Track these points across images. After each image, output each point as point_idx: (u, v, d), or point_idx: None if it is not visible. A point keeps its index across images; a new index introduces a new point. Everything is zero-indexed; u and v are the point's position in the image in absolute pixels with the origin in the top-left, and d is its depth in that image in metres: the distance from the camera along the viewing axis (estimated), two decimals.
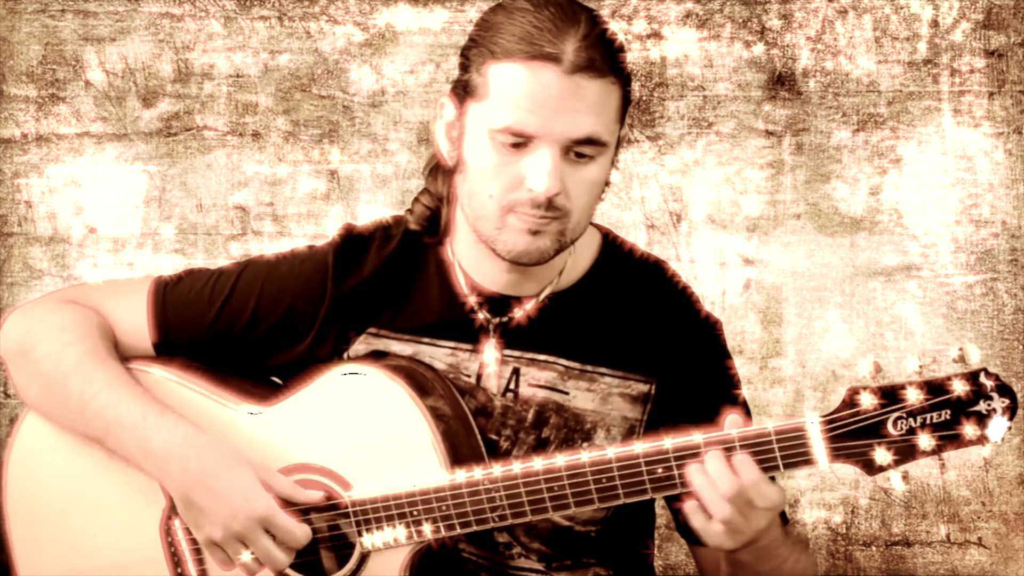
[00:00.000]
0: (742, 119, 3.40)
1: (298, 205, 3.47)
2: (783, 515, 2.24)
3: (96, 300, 2.38)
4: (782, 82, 3.40)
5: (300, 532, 2.22)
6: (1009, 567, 3.44)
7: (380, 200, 3.45)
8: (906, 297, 3.40)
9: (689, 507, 2.09)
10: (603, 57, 2.14)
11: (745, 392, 2.37)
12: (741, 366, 3.39)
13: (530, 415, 2.28)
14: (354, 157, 3.45)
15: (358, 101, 3.44)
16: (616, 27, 3.40)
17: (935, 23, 3.37)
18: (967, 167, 3.39)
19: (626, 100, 2.21)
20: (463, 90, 2.20)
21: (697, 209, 3.42)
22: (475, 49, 2.19)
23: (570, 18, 2.15)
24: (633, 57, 3.39)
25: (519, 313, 2.30)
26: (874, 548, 3.45)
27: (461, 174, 2.22)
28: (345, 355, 2.32)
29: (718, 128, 3.41)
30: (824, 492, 3.43)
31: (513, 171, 2.16)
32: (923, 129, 3.39)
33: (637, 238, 3.38)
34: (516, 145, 2.15)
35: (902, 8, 3.37)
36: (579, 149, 2.15)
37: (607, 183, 2.23)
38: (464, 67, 2.21)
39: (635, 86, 3.40)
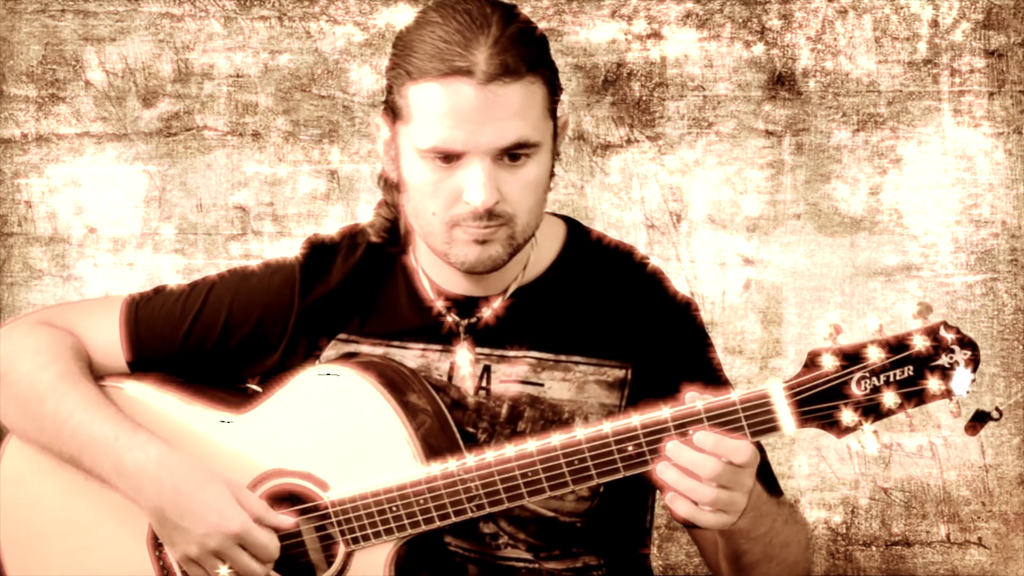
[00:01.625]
0: (742, 119, 3.40)
1: (298, 205, 3.47)
2: (773, 483, 2.25)
3: (69, 321, 2.40)
4: (782, 82, 3.40)
5: (273, 547, 2.23)
6: (1009, 567, 3.44)
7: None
8: (906, 297, 3.40)
9: (668, 499, 2.08)
10: (519, 57, 2.13)
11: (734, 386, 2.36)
12: (741, 366, 3.40)
13: (504, 410, 2.29)
14: (354, 157, 3.45)
15: (358, 101, 3.44)
16: (616, 27, 3.41)
17: (935, 23, 3.37)
18: (967, 167, 3.39)
19: (553, 91, 2.20)
20: (392, 111, 2.21)
21: (697, 209, 3.42)
22: (394, 71, 2.20)
23: (479, 24, 2.14)
24: (633, 57, 3.40)
25: (487, 312, 2.31)
26: (874, 548, 3.45)
27: (404, 193, 2.24)
28: (317, 362, 2.34)
29: (718, 128, 3.41)
30: (824, 492, 3.43)
31: (449, 186, 2.16)
32: (923, 129, 3.39)
33: (637, 238, 3.39)
34: (447, 159, 2.15)
35: (902, 8, 3.37)
36: (512, 152, 2.16)
37: (552, 175, 2.24)
38: (388, 89, 2.22)
39: (635, 86, 3.41)
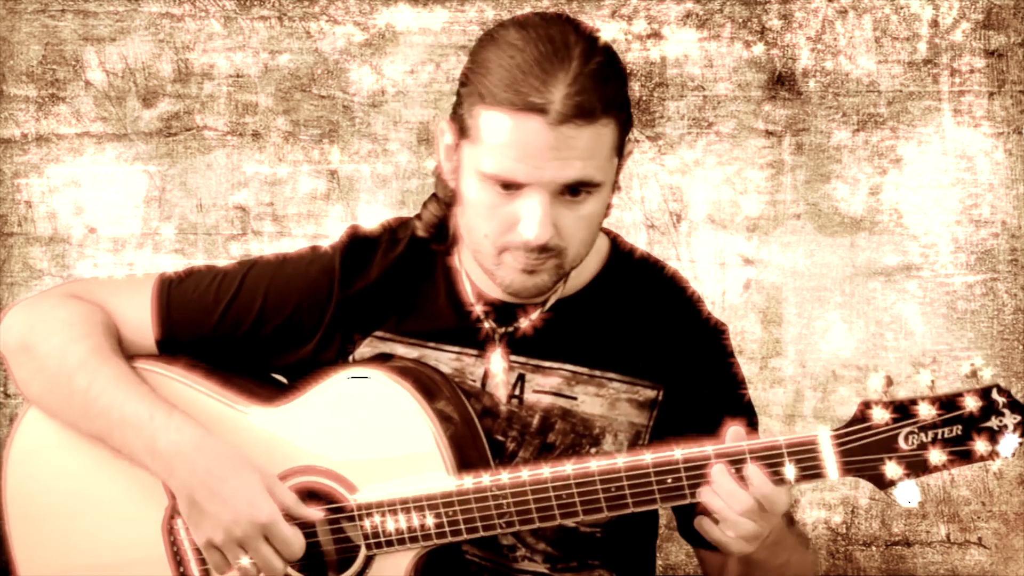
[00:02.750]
0: (742, 119, 3.40)
1: (298, 205, 3.47)
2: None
3: (100, 296, 2.37)
4: (782, 82, 3.40)
5: (297, 545, 2.21)
6: (1009, 567, 3.44)
7: (380, 200, 3.45)
8: (906, 297, 3.40)
9: (705, 524, 2.10)
10: (596, 99, 2.09)
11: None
12: (741, 366, 3.40)
13: (535, 421, 2.28)
14: (354, 157, 3.45)
15: (358, 101, 3.44)
16: (616, 27, 3.41)
17: (935, 23, 3.37)
18: (967, 167, 3.39)
19: (625, 129, 2.17)
20: (459, 125, 2.17)
21: (697, 209, 3.42)
22: (467, 87, 2.15)
23: (561, 57, 2.10)
24: (633, 57, 3.39)
25: (525, 323, 2.29)
26: (874, 548, 3.45)
27: (460, 206, 2.21)
28: (350, 358, 2.32)
29: (718, 128, 3.41)
30: (824, 492, 3.43)
31: (506, 213, 2.14)
32: (923, 129, 3.39)
33: (637, 238, 3.38)
34: (507, 187, 2.13)
35: (902, 8, 3.37)
36: (573, 188, 2.13)
37: (609, 206, 2.21)
38: (459, 102, 2.18)
39: (635, 86, 3.41)
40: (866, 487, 3.42)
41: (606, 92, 2.11)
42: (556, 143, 2.08)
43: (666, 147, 3.41)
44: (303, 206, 3.46)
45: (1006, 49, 3.36)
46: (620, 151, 2.18)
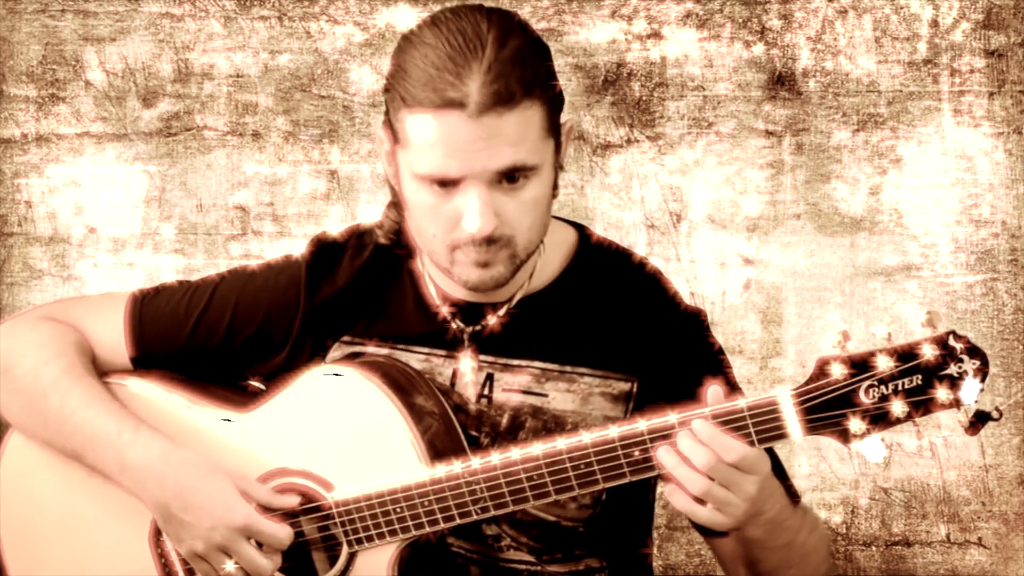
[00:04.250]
0: (742, 119, 3.40)
1: (298, 205, 3.47)
2: (792, 491, 2.24)
3: (74, 316, 2.39)
4: (782, 82, 3.40)
5: (283, 533, 2.22)
6: (1009, 567, 3.44)
7: (380, 200, 3.44)
8: (906, 297, 3.40)
9: (668, 490, 2.09)
10: (515, 84, 2.08)
11: (745, 392, 2.36)
12: (741, 366, 3.40)
13: (504, 420, 2.28)
14: (354, 157, 3.45)
15: (358, 101, 3.44)
16: (616, 27, 3.41)
17: (935, 23, 3.37)
18: (967, 167, 3.39)
19: (554, 107, 2.15)
20: (391, 131, 2.18)
21: (697, 209, 3.42)
22: (390, 93, 2.16)
23: (473, 48, 2.09)
24: (633, 57, 3.40)
25: (492, 320, 2.29)
26: (874, 548, 3.45)
27: (407, 211, 2.22)
28: (322, 363, 2.33)
29: (718, 128, 3.41)
30: (824, 492, 3.43)
31: (448, 210, 2.14)
32: (923, 129, 3.39)
33: (637, 238, 3.38)
34: (444, 184, 2.13)
35: (902, 8, 3.37)
36: (509, 175, 2.12)
37: (555, 187, 2.20)
38: (386, 108, 2.19)
39: (635, 86, 3.41)
40: (866, 487, 3.42)
41: (524, 75, 2.10)
42: (481, 134, 2.08)
43: (666, 147, 3.41)
44: (303, 206, 3.47)
45: (1006, 49, 3.36)
46: (554, 131, 2.17)
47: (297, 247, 2.40)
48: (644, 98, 3.41)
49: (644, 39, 3.41)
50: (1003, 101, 3.36)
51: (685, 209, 3.42)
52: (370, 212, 3.43)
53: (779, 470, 2.20)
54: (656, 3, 3.40)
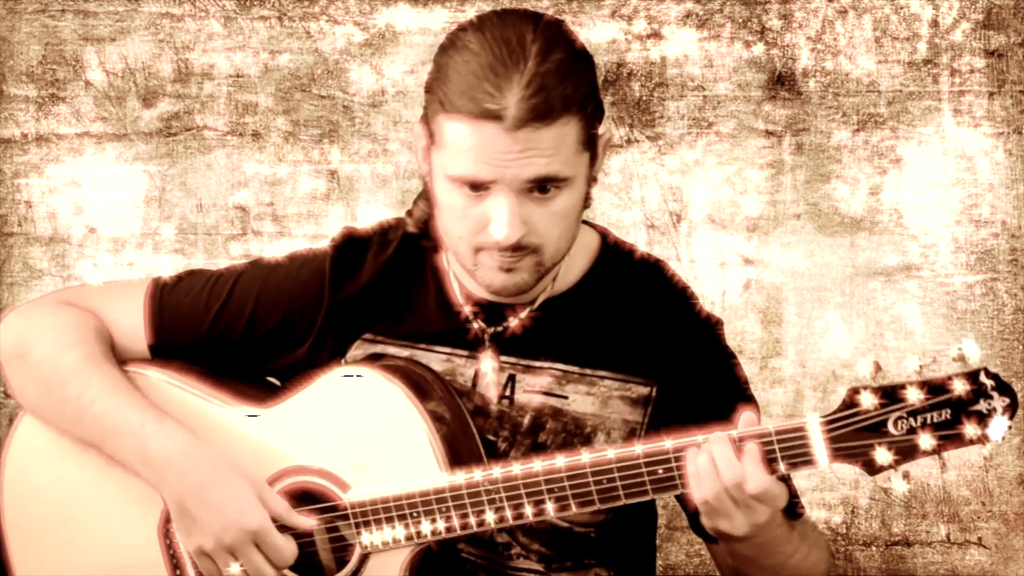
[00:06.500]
0: (742, 119, 3.40)
1: (298, 205, 3.47)
2: (795, 510, 2.24)
3: (93, 302, 2.38)
4: (782, 82, 3.40)
5: (288, 552, 2.22)
6: (1009, 567, 3.44)
7: (380, 200, 3.45)
8: (906, 297, 3.40)
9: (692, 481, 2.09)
10: (554, 99, 2.08)
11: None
12: (742, 365, 3.40)
13: (526, 420, 2.28)
14: (354, 157, 3.45)
15: (358, 101, 3.44)
16: (616, 27, 3.41)
17: (935, 23, 3.37)
18: (967, 167, 3.39)
19: (592, 121, 2.15)
20: (428, 130, 2.18)
21: (697, 209, 3.42)
22: (430, 94, 2.15)
23: (515, 59, 2.08)
24: (633, 57, 3.40)
25: (514, 322, 2.29)
26: (874, 548, 3.45)
27: (436, 209, 2.21)
28: (343, 361, 2.32)
29: (718, 128, 3.41)
30: (824, 492, 3.43)
31: (477, 214, 2.14)
32: (923, 129, 3.39)
33: (637, 238, 3.38)
34: (475, 188, 2.12)
35: (902, 8, 3.37)
36: (541, 185, 2.12)
37: (588, 197, 2.21)
38: (425, 108, 2.18)
39: (635, 86, 3.41)
40: (866, 487, 3.42)
41: (565, 90, 2.09)
42: (516, 146, 2.08)
43: (666, 147, 3.41)
44: (303, 206, 3.47)
45: (1006, 49, 3.36)
46: (590, 143, 2.16)
47: (297, 247, 2.40)
48: (644, 98, 3.41)
49: (644, 39, 3.41)
50: (1003, 101, 3.36)
51: (685, 209, 3.42)
52: (370, 212, 3.43)
53: (786, 479, 2.20)
54: (656, 3, 3.40)
